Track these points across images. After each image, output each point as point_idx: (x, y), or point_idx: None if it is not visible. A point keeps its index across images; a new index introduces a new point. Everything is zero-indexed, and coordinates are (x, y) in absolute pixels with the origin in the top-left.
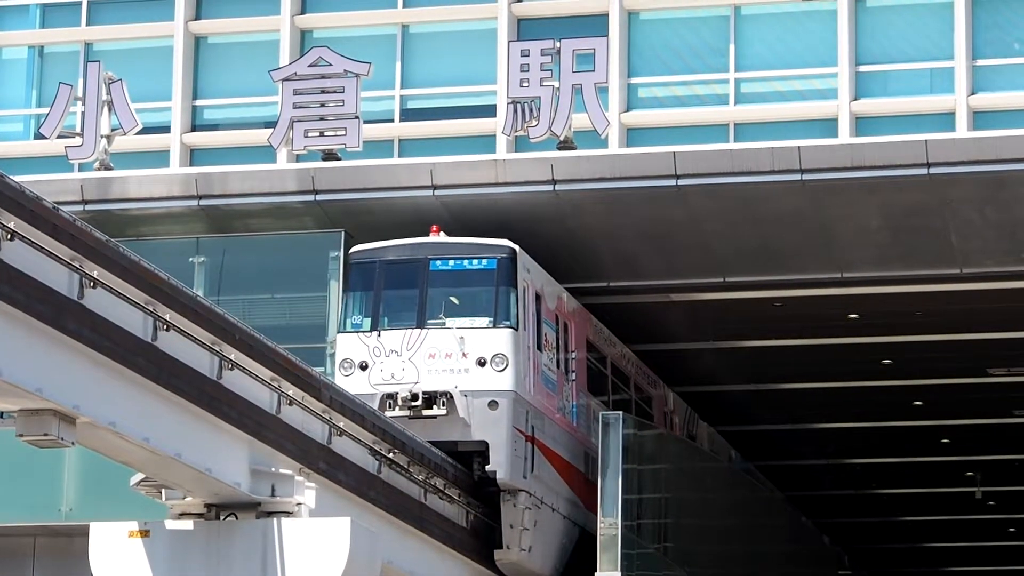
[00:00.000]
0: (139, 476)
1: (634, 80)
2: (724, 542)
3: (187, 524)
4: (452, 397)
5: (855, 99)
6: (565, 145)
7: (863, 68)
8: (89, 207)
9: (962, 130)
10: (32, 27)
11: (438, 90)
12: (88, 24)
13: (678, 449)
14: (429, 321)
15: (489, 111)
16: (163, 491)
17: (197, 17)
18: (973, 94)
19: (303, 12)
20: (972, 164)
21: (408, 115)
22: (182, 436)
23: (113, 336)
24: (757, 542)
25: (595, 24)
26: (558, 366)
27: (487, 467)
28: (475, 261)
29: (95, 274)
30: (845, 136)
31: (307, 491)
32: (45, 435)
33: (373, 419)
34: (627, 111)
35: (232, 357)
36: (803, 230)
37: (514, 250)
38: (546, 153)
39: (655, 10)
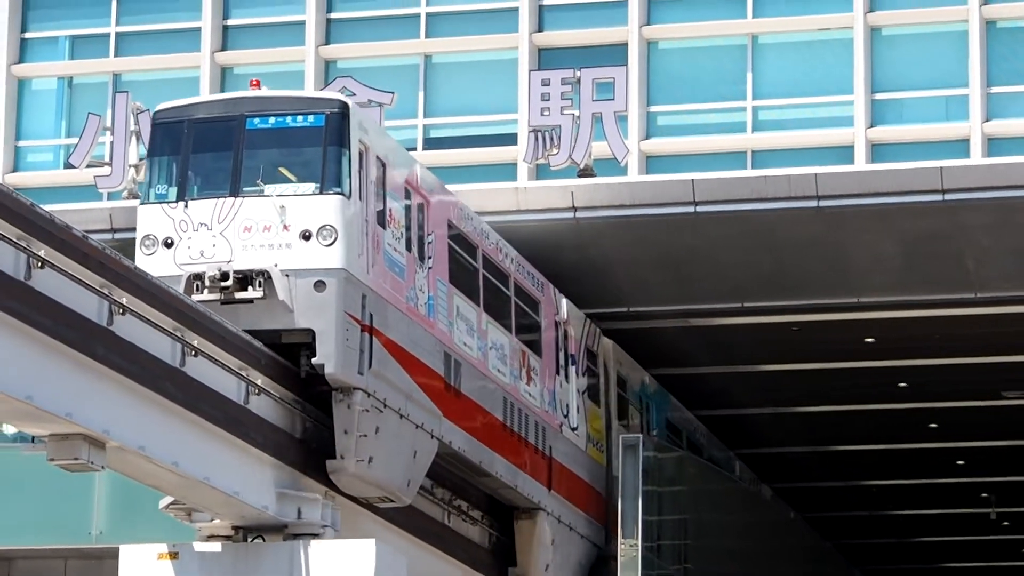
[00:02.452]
0: (168, 499)
1: (653, 108)
2: (742, 563)
3: (215, 546)
4: (270, 277)
5: (871, 126)
6: (585, 173)
7: (879, 96)
8: (118, 235)
9: (976, 157)
10: (61, 59)
11: (460, 119)
12: (116, 56)
13: (697, 471)
14: (244, 188)
15: (511, 139)
16: (192, 514)
17: (223, 48)
18: (987, 121)
19: (327, 43)
20: (987, 190)
21: (431, 144)
22: (210, 460)
23: (142, 361)
24: (775, 563)
25: (615, 53)
26: (408, 248)
27: (313, 360)
28: (299, 118)
29: (124, 301)
30: (861, 163)
31: (333, 513)
32: (75, 459)
33: None
34: (646, 139)
35: (259, 382)
36: (820, 256)
37: (346, 104)
38: (566, 181)
39: (674, 39)
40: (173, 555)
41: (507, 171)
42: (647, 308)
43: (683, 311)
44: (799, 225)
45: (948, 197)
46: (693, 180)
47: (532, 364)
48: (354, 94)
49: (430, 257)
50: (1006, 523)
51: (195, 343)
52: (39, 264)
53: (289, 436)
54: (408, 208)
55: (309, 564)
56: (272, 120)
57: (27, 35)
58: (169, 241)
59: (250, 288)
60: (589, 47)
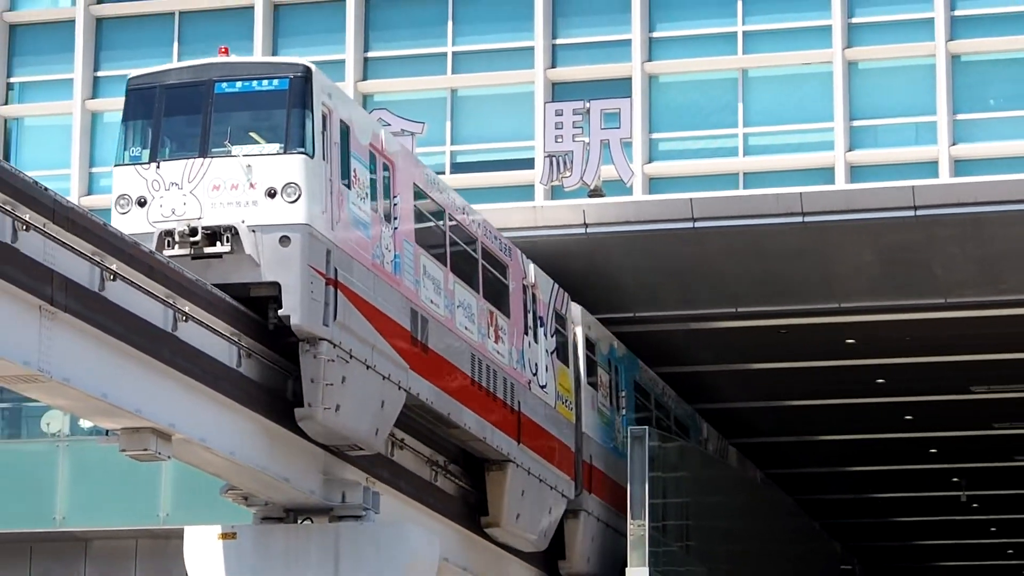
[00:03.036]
0: (227, 485)
1: (655, 135)
2: (738, 541)
3: (269, 527)
4: (238, 233)
5: (850, 150)
6: (595, 193)
7: (856, 123)
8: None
9: (944, 176)
10: None
11: (483, 146)
12: None
13: (699, 460)
14: (213, 149)
15: (528, 164)
16: (248, 498)
17: None
18: (954, 145)
19: (365, 79)
20: (954, 207)
21: (457, 168)
22: (264, 450)
23: (203, 363)
24: (766, 541)
25: (620, 86)
26: (374, 209)
27: (280, 312)
28: (265, 82)
29: (187, 309)
30: (841, 183)
31: (373, 497)
32: (145, 450)
33: (428, 433)
34: (649, 162)
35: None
36: (805, 266)
37: (309, 68)
38: (578, 200)
39: (673, 74)
40: (231, 535)
41: (525, 192)
42: (651, 313)
43: (683, 316)
44: (786, 238)
45: (920, 213)
46: (691, 199)
47: (500, 324)
48: (389, 124)
49: (396, 218)
50: (975, 505)
51: (250, 346)
52: (112, 277)
53: None
54: (374, 170)
55: (352, 544)
56: (239, 84)
57: (99, 74)
58: (142, 200)
59: (218, 243)
60: (598, 81)
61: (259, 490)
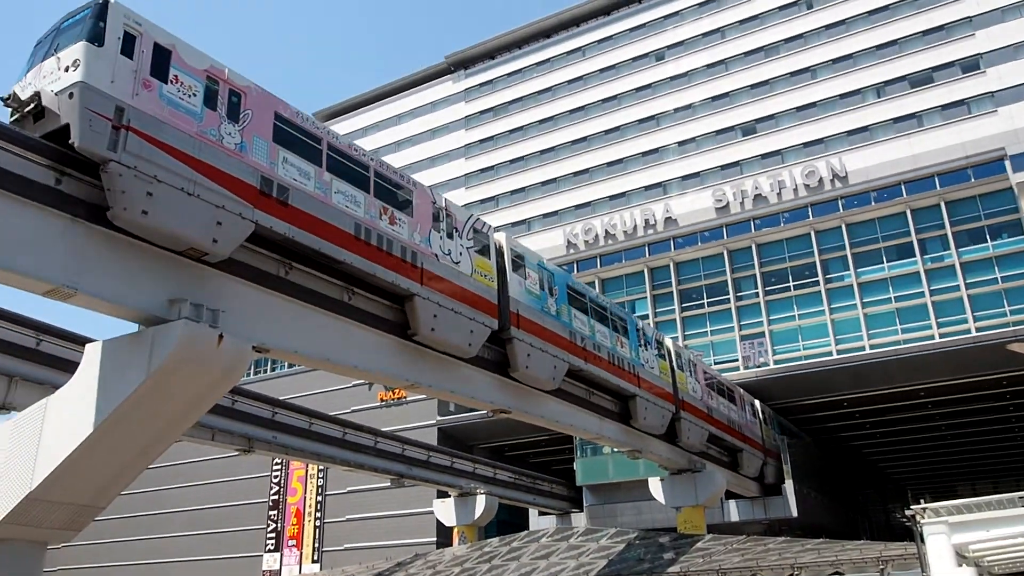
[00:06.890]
0: (657, 467)
1: (776, 347)
2: (834, 479)
3: (673, 476)
4: (40, 94)
5: (836, 345)
6: (759, 367)
7: (839, 336)
8: None
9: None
10: None
11: (719, 356)
12: None
13: (803, 443)
14: (47, 56)
15: (735, 359)
16: (667, 468)
17: None
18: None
19: (684, 341)
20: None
21: (713, 363)
22: (665, 453)
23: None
24: (842, 477)
25: (762, 335)
26: (210, 106)
27: (69, 140)
28: (80, 14)
29: None
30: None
31: (702, 464)
32: (635, 456)
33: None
34: (774, 355)
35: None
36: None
37: (107, 3)
38: (757, 370)
39: (777, 330)
40: (663, 479)
41: (735, 367)
42: (786, 399)
43: (791, 401)
44: (829, 375)
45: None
46: (787, 367)
47: (397, 216)
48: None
49: (245, 121)
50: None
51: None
52: None
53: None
54: (210, 84)
55: (704, 482)
56: (69, 20)
57: None
58: (16, 95)
59: (32, 105)
60: (753, 334)
61: (669, 465)
